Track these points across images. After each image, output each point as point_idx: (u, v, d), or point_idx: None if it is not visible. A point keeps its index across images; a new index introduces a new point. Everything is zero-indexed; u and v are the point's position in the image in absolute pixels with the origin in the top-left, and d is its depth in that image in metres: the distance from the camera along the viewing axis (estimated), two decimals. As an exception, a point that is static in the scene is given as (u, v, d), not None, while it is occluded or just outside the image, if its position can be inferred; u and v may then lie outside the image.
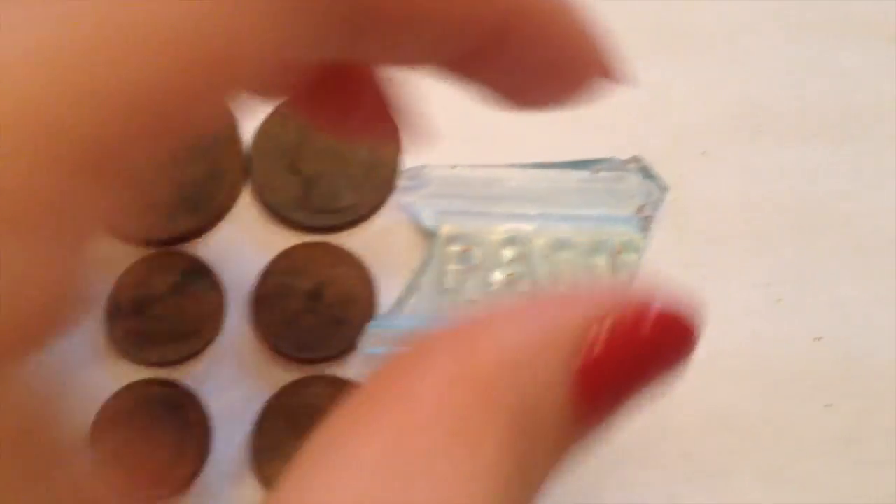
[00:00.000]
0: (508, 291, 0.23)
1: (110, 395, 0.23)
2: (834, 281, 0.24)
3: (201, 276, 0.24)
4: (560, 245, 0.24)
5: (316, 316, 0.24)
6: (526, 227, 0.24)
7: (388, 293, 0.24)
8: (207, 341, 0.24)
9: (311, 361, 0.23)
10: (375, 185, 0.25)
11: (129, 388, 0.23)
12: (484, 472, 0.13)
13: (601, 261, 0.24)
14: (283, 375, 0.23)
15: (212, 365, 0.24)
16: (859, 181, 0.25)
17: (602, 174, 0.24)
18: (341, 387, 0.23)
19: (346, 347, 0.23)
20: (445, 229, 0.24)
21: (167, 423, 0.22)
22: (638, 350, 0.14)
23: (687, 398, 0.23)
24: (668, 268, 0.24)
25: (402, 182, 0.25)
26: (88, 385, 0.23)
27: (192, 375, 0.23)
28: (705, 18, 0.27)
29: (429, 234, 0.24)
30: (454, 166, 0.25)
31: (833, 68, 0.27)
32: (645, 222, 0.24)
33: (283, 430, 0.22)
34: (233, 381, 0.23)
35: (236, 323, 0.24)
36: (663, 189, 0.24)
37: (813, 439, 0.23)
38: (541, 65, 0.17)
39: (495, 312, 0.15)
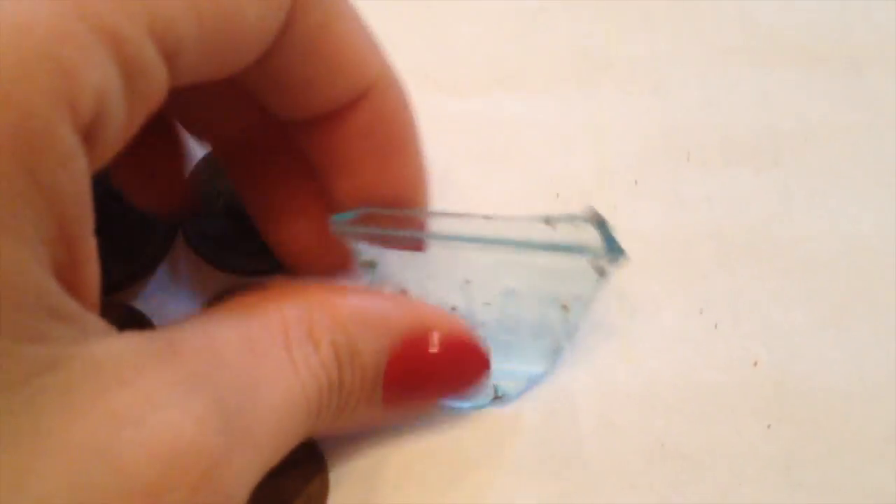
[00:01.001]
0: None
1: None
2: (767, 305, 0.24)
3: (139, 324, 0.24)
4: (508, 293, 0.23)
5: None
6: (473, 273, 0.23)
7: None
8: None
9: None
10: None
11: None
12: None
13: (552, 312, 0.23)
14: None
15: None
16: (788, 204, 0.25)
17: (559, 226, 0.23)
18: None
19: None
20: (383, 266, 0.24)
21: None
22: (429, 362, 0.20)
23: (628, 429, 0.23)
24: (603, 298, 0.24)
25: (342, 220, 0.24)
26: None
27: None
28: (629, 47, 0.28)
29: (369, 268, 0.24)
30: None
31: (758, 93, 0.27)
32: (601, 278, 0.22)
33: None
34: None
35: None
36: (619, 251, 0.22)
37: (754, 465, 0.22)
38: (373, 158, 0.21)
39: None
